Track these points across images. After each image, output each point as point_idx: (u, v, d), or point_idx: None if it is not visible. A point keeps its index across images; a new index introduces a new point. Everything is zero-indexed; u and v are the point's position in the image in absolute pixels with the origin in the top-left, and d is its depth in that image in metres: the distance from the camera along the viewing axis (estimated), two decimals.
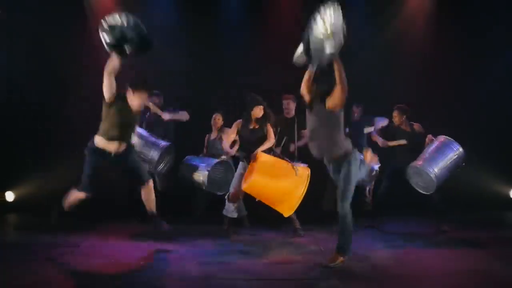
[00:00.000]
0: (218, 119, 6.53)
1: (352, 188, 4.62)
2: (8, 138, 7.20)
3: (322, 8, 4.37)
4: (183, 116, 6.62)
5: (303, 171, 5.14)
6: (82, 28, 7.48)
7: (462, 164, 5.72)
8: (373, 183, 6.38)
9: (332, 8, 4.32)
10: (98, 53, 7.52)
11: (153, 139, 5.97)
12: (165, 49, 7.45)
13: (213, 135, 6.56)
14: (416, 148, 6.03)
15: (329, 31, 4.34)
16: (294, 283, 4.23)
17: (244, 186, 5.29)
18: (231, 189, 5.70)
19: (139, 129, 5.90)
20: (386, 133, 6.54)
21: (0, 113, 7.17)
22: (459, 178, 6.13)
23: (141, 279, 4.32)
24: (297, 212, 5.26)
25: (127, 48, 4.66)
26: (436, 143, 5.79)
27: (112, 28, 4.62)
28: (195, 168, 5.95)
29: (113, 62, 4.70)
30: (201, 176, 5.86)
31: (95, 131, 7.30)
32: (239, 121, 5.72)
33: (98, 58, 7.48)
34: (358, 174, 4.73)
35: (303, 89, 4.86)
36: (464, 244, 5.43)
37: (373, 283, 4.24)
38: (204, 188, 5.95)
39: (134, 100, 4.82)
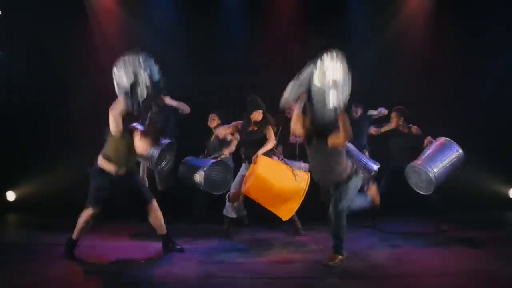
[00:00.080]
0: (213, 119, 6.52)
1: (349, 197, 4.69)
2: (8, 138, 7.21)
3: (325, 56, 4.18)
4: (185, 107, 6.62)
5: (303, 176, 5.17)
6: (82, 28, 7.50)
7: (461, 166, 5.72)
8: (371, 183, 6.39)
9: (337, 57, 4.13)
10: (98, 53, 7.58)
11: None
12: (165, 49, 7.47)
13: (213, 137, 6.56)
14: (414, 149, 6.04)
15: (333, 82, 4.15)
16: (294, 281, 4.24)
17: (244, 189, 5.31)
18: (232, 190, 5.71)
19: (139, 127, 5.90)
20: (391, 133, 6.52)
21: (1, 113, 7.17)
22: (459, 178, 6.11)
23: (142, 278, 4.33)
24: (297, 212, 5.27)
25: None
26: (435, 144, 5.79)
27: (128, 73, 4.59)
28: (193, 168, 5.95)
29: (120, 106, 4.68)
30: (198, 176, 5.86)
31: (95, 131, 7.34)
32: (239, 122, 5.74)
33: (98, 58, 7.55)
34: (357, 187, 4.81)
35: (296, 127, 4.74)
36: (464, 244, 5.43)
37: (372, 282, 4.25)
38: (201, 188, 5.96)
39: (141, 143, 4.79)
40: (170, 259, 4.87)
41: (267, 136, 5.63)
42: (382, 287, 4.18)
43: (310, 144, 4.71)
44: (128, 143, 4.87)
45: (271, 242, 5.53)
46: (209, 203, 6.60)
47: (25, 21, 7.30)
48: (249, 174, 5.35)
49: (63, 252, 4.85)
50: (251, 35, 7.74)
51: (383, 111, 6.78)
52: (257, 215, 6.07)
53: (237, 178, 5.71)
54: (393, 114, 6.41)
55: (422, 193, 5.70)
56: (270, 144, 5.61)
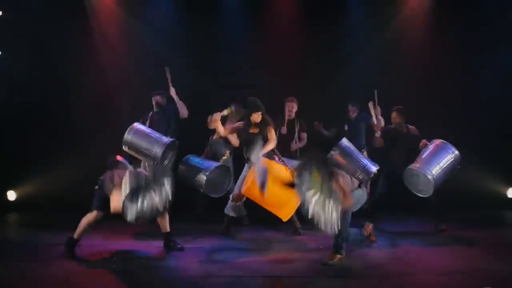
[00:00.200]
0: (215, 120, 6.52)
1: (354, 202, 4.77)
2: (9, 138, 7.22)
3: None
4: (184, 109, 6.63)
5: None
6: (83, 28, 7.51)
7: (458, 167, 5.73)
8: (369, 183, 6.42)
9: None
10: (99, 53, 7.61)
11: (156, 135, 5.99)
12: (165, 49, 7.50)
13: (215, 135, 6.57)
14: (412, 149, 6.06)
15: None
16: (293, 280, 4.25)
17: (243, 190, 5.34)
18: (236, 190, 5.73)
19: (141, 126, 5.94)
20: (384, 134, 6.52)
21: (2, 113, 7.19)
22: (458, 178, 6.13)
23: (142, 277, 4.35)
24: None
25: None
26: (431, 147, 5.79)
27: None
28: (194, 169, 5.96)
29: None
30: (199, 178, 5.88)
31: (95, 131, 7.37)
32: (240, 123, 5.77)
33: (99, 58, 7.57)
34: (360, 197, 4.91)
35: None
36: (462, 243, 5.45)
37: (371, 281, 4.27)
38: (201, 190, 5.98)
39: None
40: (170, 258, 4.89)
41: (268, 137, 5.64)
42: (381, 286, 4.19)
43: None
44: None
45: (271, 242, 5.54)
46: (209, 203, 6.62)
47: (26, 21, 7.33)
48: (250, 176, 5.37)
49: (63, 251, 4.86)
50: (251, 35, 7.76)
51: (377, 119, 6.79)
52: (257, 214, 6.08)
53: (240, 178, 5.73)
54: (395, 114, 6.42)
55: (421, 195, 5.71)
56: (271, 145, 5.62)
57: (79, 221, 4.98)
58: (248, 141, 5.67)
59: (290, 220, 5.60)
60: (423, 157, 5.71)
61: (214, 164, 5.91)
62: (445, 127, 6.68)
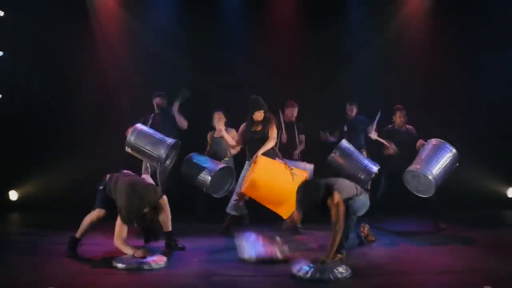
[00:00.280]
0: (219, 118, 6.56)
1: (357, 205, 4.81)
2: (10, 138, 7.24)
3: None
4: (183, 122, 6.65)
5: (301, 175, 5.24)
6: (83, 28, 7.53)
7: (456, 164, 5.75)
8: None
9: None
10: (100, 54, 7.63)
11: (159, 135, 6.03)
12: (165, 49, 7.52)
13: (216, 134, 6.60)
14: (411, 149, 6.09)
15: None
16: (293, 279, 4.27)
17: (243, 188, 5.37)
18: (237, 189, 5.75)
19: (144, 127, 5.97)
20: (387, 134, 6.54)
21: (3, 113, 7.21)
22: (458, 178, 6.16)
23: (144, 276, 4.37)
24: None
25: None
26: (429, 147, 5.80)
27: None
28: (198, 169, 5.99)
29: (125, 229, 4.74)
30: (203, 178, 5.91)
31: (96, 131, 7.40)
32: (244, 124, 5.80)
33: (99, 59, 7.60)
34: (364, 202, 4.91)
35: None
36: (462, 242, 5.47)
37: (371, 279, 4.29)
38: (204, 190, 6.01)
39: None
40: (171, 257, 4.91)
41: (269, 135, 5.67)
42: (381, 285, 4.21)
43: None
44: None
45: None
46: (210, 203, 6.65)
47: (27, 21, 7.35)
48: (249, 174, 5.42)
49: (65, 250, 4.89)
50: (251, 35, 7.78)
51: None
52: (258, 214, 6.11)
53: (241, 177, 5.76)
54: (398, 113, 6.44)
55: (422, 196, 5.73)
56: (271, 143, 5.65)
57: (80, 221, 5.01)
58: (251, 139, 5.71)
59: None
60: (422, 157, 5.72)
61: (219, 165, 5.95)
62: (445, 127, 6.70)
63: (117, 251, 4.74)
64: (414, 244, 5.44)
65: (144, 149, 5.81)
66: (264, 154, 5.52)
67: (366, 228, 5.42)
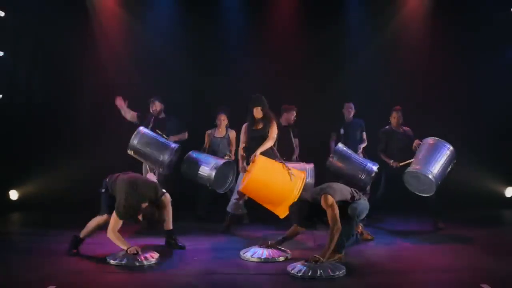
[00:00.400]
0: (223, 119, 6.59)
1: (360, 207, 4.86)
2: (11, 138, 7.26)
3: None
4: (184, 136, 6.67)
5: (299, 175, 5.27)
6: (84, 28, 7.55)
7: (454, 161, 5.76)
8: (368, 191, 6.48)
9: None
10: (99, 54, 7.65)
11: (162, 139, 6.07)
12: (165, 49, 7.54)
13: (218, 134, 6.62)
14: (408, 149, 6.11)
15: None
16: (293, 278, 4.29)
17: (241, 187, 5.39)
18: (237, 188, 5.77)
19: (146, 130, 6.00)
20: (383, 135, 6.55)
21: (3, 113, 7.23)
22: (457, 178, 6.18)
23: (144, 275, 4.39)
24: None
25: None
26: (426, 146, 5.81)
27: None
28: (200, 166, 6.03)
29: (119, 223, 4.76)
30: (207, 174, 5.95)
31: (96, 131, 7.42)
32: (245, 124, 5.82)
33: (99, 59, 7.61)
34: (365, 206, 4.95)
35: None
36: (461, 242, 5.48)
37: (369, 278, 4.30)
38: (208, 185, 6.04)
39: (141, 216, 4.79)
40: (171, 256, 4.93)
41: (269, 133, 5.69)
42: (380, 284, 4.22)
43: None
44: None
45: (270, 240, 5.57)
46: (210, 203, 6.67)
47: (27, 21, 7.37)
48: (247, 173, 5.43)
49: (66, 249, 4.91)
50: (251, 35, 7.79)
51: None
52: (257, 213, 6.13)
53: (241, 175, 5.77)
54: (395, 114, 6.46)
55: (423, 195, 5.74)
56: (269, 142, 5.64)
57: (80, 220, 5.03)
58: (252, 138, 5.72)
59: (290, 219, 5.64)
60: (420, 157, 5.72)
61: (221, 161, 6.00)
62: (445, 127, 6.70)
63: (118, 249, 4.76)
64: (413, 243, 5.45)
65: (148, 153, 5.84)
66: (263, 153, 5.52)
67: (360, 226, 5.44)
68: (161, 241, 5.26)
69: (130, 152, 5.91)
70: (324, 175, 6.22)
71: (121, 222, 4.75)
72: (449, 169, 5.71)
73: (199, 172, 6.01)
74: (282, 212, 5.19)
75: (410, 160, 5.91)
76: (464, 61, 7.51)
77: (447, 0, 7.62)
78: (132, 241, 4.89)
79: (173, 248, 5.12)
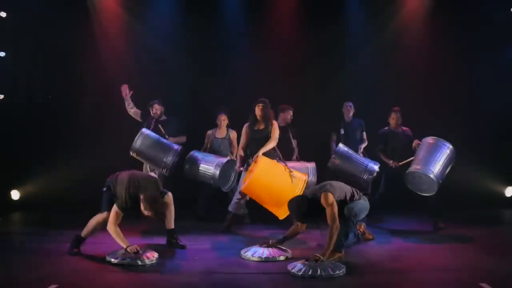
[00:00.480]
0: (223, 120, 6.60)
1: (359, 208, 4.88)
2: (12, 138, 7.26)
3: None
4: (182, 140, 6.67)
5: (300, 177, 5.29)
6: (84, 28, 7.56)
7: (454, 160, 5.78)
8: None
9: None
10: (100, 54, 7.65)
11: (165, 141, 6.08)
12: (165, 49, 7.54)
13: (219, 134, 6.62)
14: (407, 149, 6.11)
15: None
16: (293, 277, 4.30)
17: (242, 188, 5.40)
18: (239, 188, 5.78)
19: (149, 132, 6.01)
20: (383, 136, 6.56)
21: (5, 113, 7.24)
22: (457, 177, 6.18)
23: (144, 274, 4.39)
24: None
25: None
26: (426, 146, 5.82)
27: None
28: (203, 165, 6.06)
29: (119, 216, 4.77)
30: (211, 173, 5.98)
31: (96, 131, 7.42)
32: (247, 124, 5.84)
33: (100, 59, 7.61)
34: (364, 205, 4.97)
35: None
36: (460, 241, 5.50)
37: (368, 276, 4.32)
38: (211, 183, 6.06)
39: (146, 210, 4.71)
40: (172, 255, 4.94)
41: (271, 134, 5.69)
42: (379, 282, 4.24)
43: None
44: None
45: (270, 239, 5.58)
46: (211, 202, 6.68)
47: (28, 22, 7.37)
48: (249, 173, 5.44)
49: (67, 248, 4.92)
50: (251, 35, 7.79)
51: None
52: (258, 213, 6.14)
53: (243, 175, 5.79)
54: (394, 115, 6.46)
55: (425, 195, 5.75)
56: (272, 143, 5.67)
57: (81, 220, 5.03)
58: (252, 138, 5.73)
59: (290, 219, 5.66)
60: (420, 157, 5.73)
61: (224, 159, 6.03)
62: (445, 127, 6.71)
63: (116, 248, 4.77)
64: (413, 243, 5.46)
65: (151, 155, 5.86)
66: (265, 154, 5.54)
67: (362, 227, 5.46)
68: (162, 240, 5.27)
69: (133, 154, 5.93)
70: (324, 175, 6.22)
71: (121, 215, 4.75)
72: (449, 168, 5.72)
73: (203, 171, 6.04)
74: (282, 213, 5.20)
75: (409, 159, 5.92)
76: (464, 61, 7.51)
77: (447, 0, 7.62)
78: (132, 240, 4.89)
79: (174, 248, 5.13)
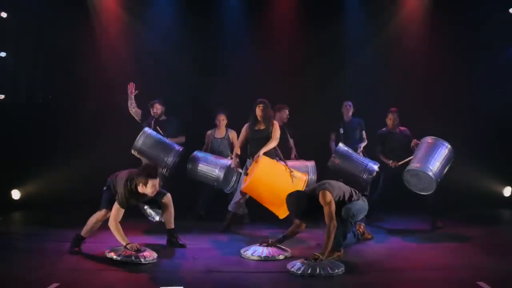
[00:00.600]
0: (222, 119, 6.61)
1: (357, 208, 4.87)
2: (13, 138, 7.28)
3: None
4: (181, 140, 6.67)
5: (300, 177, 5.32)
6: (85, 28, 7.57)
7: (453, 159, 5.79)
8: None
9: None
10: (100, 54, 7.67)
11: (167, 141, 6.09)
12: (165, 49, 7.55)
13: (218, 134, 6.63)
14: (406, 149, 6.12)
15: None
16: (292, 275, 4.31)
17: (243, 187, 5.41)
18: (240, 188, 5.79)
19: (151, 131, 6.02)
20: (381, 137, 6.56)
21: (5, 113, 7.25)
22: (455, 177, 6.19)
23: (144, 273, 4.40)
24: None
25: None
26: (424, 145, 5.83)
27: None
28: (207, 166, 6.08)
29: (120, 213, 4.78)
30: (215, 175, 6.00)
31: (97, 131, 7.43)
32: (247, 124, 5.85)
33: (100, 59, 7.63)
34: (363, 206, 4.96)
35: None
36: (458, 240, 5.51)
37: (367, 275, 4.33)
38: (215, 185, 6.09)
39: (148, 189, 4.70)
40: (172, 254, 4.95)
41: (271, 134, 5.71)
42: (378, 281, 4.25)
43: None
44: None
45: (270, 239, 5.59)
46: (211, 202, 6.68)
47: (28, 22, 7.39)
48: (250, 173, 5.46)
49: (68, 247, 4.93)
50: (251, 35, 7.80)
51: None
52: (258, 213, 6.15)
53: (242, 175, 5.80)
54: (391, 115, 6.47)
55: (424, 193, 5.76)
56: (273, 143, 5.69)
57: (81, 220, 5.04)
58: (253, 138, 5.75)
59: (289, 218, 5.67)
60: (419, 156, 5.75)
61: (227, 161, 6.04)
62: (445, 127, 6.72)
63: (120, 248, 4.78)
64: (411, 242, 5.47)
65: (153, 154, 5.87)
66: (265, 154, 5.55)
67: (362, 226, 5.47)
68: (162, 240, 5.28)
69: (134, 153, 5.95)
70: (324, 174, 6.23)
71: (122, 211, 4.76)
72: (448, 167, 5.73)
73: (206, 172, 6.07)
74: (282, 213, 5.22)
75: (408, 159, 5.93)
76: (464, 61, 7.52)
77: (447, 0, 7.62)
78: (133, 239, 4.89)
79: (174, 247, 5.15)
